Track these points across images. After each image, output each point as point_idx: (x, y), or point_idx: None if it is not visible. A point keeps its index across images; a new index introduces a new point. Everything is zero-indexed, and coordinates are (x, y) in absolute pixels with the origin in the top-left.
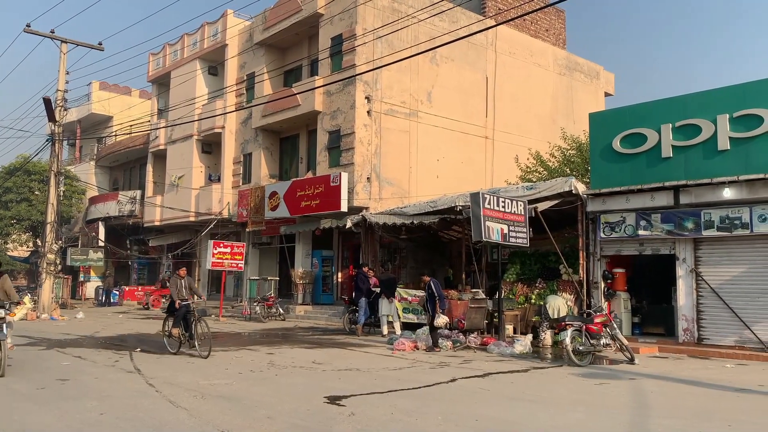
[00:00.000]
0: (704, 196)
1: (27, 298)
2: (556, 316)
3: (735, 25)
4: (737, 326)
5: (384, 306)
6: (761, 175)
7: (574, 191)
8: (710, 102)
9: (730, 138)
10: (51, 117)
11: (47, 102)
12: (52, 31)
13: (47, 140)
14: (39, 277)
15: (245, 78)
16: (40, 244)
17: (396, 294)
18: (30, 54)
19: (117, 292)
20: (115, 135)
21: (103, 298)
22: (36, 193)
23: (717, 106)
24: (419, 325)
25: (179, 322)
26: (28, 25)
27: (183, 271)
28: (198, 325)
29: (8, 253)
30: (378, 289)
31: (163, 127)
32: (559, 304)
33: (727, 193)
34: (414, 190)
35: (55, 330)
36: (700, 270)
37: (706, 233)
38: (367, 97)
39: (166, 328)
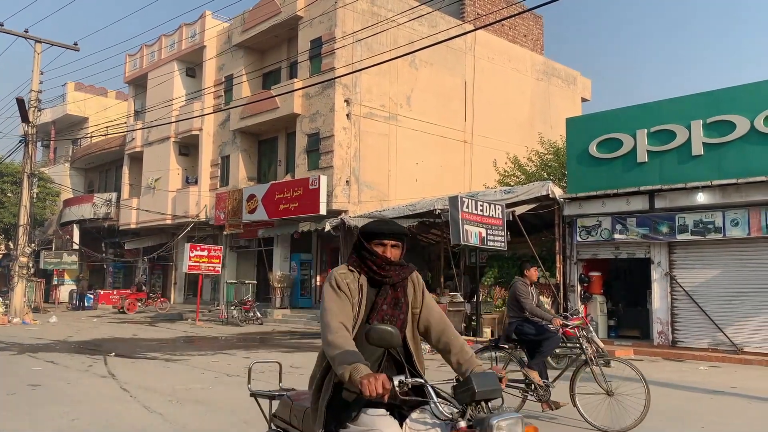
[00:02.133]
0: (679, 200)
1: None
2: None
3: (709, 30)
4: (710, 329)
5: None
6: (733, 180)
7: (551, 195)
8: (684, 108)
9: (703, 143)
10: (24, 118)
11: (21, 102)
12: (26, 31)
13: (20, 141)
14: (11, 281)
15: (223, 80)
16: (12, 246)
17: None
18: (3, 53)
19: (92, 296)
20: (91, 136)
21: (77, 301)
22: (8, 195)
23: (691, 112)
24: None
25: (542, 363)
26: (1, 24)
27: (534, 272)
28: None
29: None
30: None
31: (139, 129)
32: None
33: (701, 198)
34: (393, 194)
35: (27, 334)
36: (674, 273)
37: (680, 237)
38: (346, 101)
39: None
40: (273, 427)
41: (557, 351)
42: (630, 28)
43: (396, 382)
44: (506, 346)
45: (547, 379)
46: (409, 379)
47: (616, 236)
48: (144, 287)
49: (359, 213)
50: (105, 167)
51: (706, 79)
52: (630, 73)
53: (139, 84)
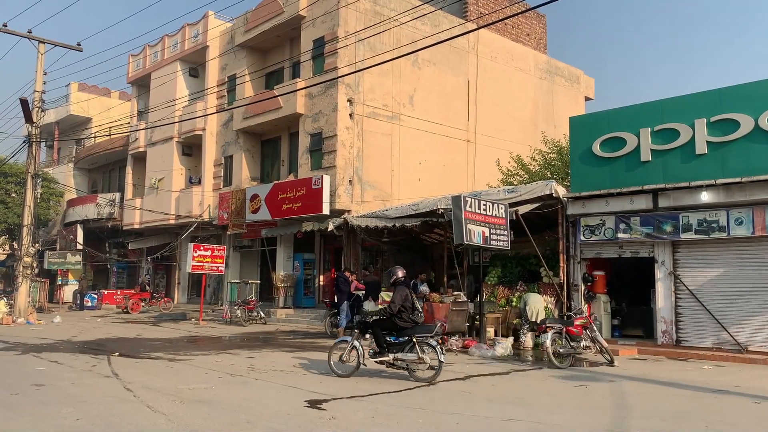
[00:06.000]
0: (682, 199)
1: (2, 302)
2: (534, 319)
3: (719, 29)
4: (715, 328)
5: (369, 308)
6: (737, 179)
7: (554, 194)
8: (688, 106)
9: (707, 142)
10: (28, 118)
11: (24, 103)
12: (30, 31)
13: (24, 142)
14: (15, 281)
15: (226, 80)
16: (16, 247)
17: (378, 298)
18: (6, 54)
19: (95, 296)
20: (94, 137)
21: (79, 301)
22: (12, 195)
23: (695, 111)
24: None
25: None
26: (5, 25)
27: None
28: None
29: None
30: (359, 292)
31: (142, 129)
32: (539, 307)
33: (705, 197)
34: (396, 193)
35: (32, 334)
36: (678, 273)
37: (684, 236)
38: (349, 100)
39: None
40: None
41: (561, 351)
42: (634, 27)
43: None
44: None
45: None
46: None
47: (620, 235)
48: (147, 287)
49: (362, 213)
50: (108, 167)
51: (712, 79)
52: (633, 73)
53: (142, 84)
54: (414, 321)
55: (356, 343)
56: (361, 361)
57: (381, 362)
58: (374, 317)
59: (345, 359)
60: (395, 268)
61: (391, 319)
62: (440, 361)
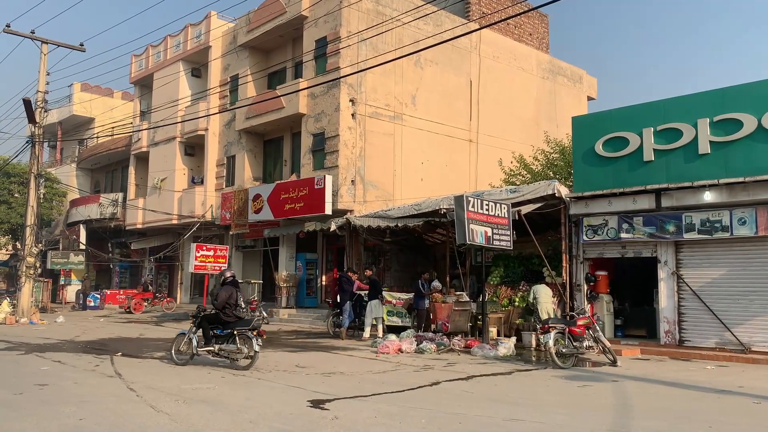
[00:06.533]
0: (685, 199)
1: (6, 302)
2: (545, 317)
3: (721, 29)
4: (718, 328)
5: (375, 308)
6: (741, 179)
7: (557, 194)
8: (691, 106)
9: (710, 142)
10: (31, 118)
11: (27, 103)
12: (33, 32)
13: (27, 142)
14: (18, 281)
15: (229, 80)
16: (19, 247)
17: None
18: (9, 55)
19: (98, 296)
20: (97, 137)
21: (82, 301)
22: (15, 195)
23: (698, 111)
24: (403, 328)
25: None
26: (8, 26)
27: None
28: None
29: None
30: (362, 292)
31: (145, 129)
32: (549, 309)
33: (708, 197)
34: (398, 193)
35: (35, 334)
36: (681, 272)
37: (687, 236)
38: (351, 100)
39: None
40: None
41: (564, 351)
42: (636, 27)
43: None
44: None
45: None
46: None
47: (623, 235)
48: (150, 287)
49: (364, 212)
50: (111, 167)
51: (715, 79)
52: (636, 72)
53: (144, 84)
54: (237, 316)
55: (191, 336)
56: (195, 352)
57: (208, 352)
58: (203, 312)
59: (182, 350)
60: (225, 270)
61: (218, 315)
62: (255, 351)
